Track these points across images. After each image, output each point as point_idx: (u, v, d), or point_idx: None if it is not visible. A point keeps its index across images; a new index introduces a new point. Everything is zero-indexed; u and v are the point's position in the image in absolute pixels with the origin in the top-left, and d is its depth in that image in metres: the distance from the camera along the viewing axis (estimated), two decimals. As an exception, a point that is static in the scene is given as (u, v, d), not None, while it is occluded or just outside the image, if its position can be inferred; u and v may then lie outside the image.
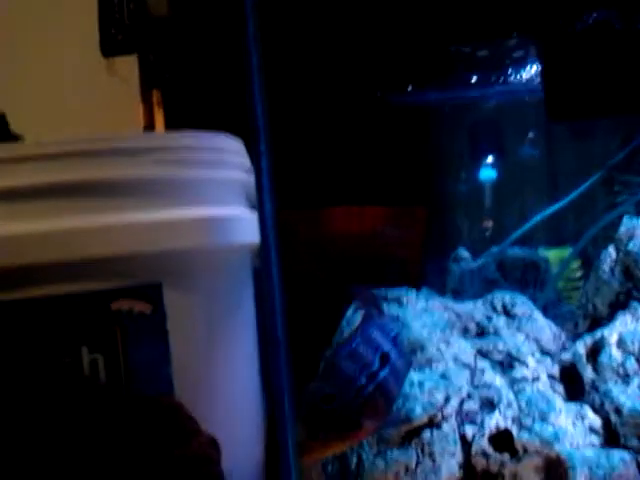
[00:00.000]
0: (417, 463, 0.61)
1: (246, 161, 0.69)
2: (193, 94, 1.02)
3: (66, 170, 0.58)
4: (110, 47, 1.00)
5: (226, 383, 0.65)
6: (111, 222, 0.58)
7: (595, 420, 0.62)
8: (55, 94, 1.12)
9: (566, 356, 0.69)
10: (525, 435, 0.60)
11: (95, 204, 0.58)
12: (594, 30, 0.81)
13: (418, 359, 0.67)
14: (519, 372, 0.66)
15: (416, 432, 0.62)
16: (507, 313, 0.73)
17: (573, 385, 0.67)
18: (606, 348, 0.64)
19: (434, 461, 0.61)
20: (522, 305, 0.73)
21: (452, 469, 0.61)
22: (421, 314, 0.72)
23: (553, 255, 1.05)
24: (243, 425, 0.67)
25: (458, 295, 0.94)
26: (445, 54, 1.02)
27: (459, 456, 0.62)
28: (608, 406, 0.61)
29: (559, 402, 0.64)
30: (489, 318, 0.72)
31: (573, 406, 0.63)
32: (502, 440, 0.61)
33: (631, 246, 0.68)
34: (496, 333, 0.70)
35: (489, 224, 1.20)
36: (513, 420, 0.62)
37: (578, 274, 1.04)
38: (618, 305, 0.69)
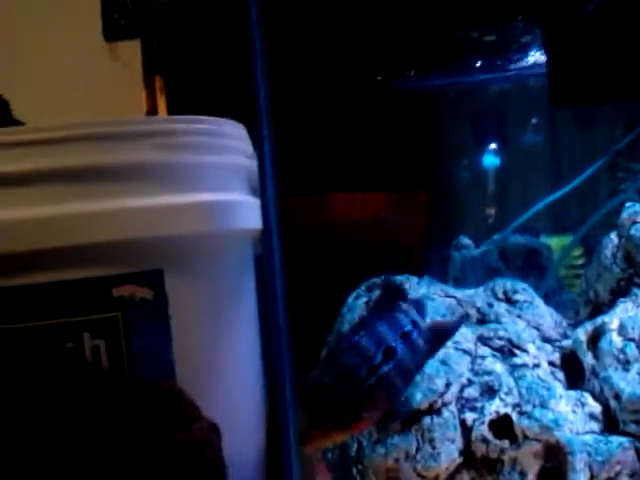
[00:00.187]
0: (417, 449, 0.61)
1: (248, 147, 0.69)
2: (196, 80, 1.02)
3: (67, 155, 0.58)
4: (113, 32, 1.00)
5: (227, 369, 0.65)
6: (112, 207, 0.58)
7: (595, 407, 0.62)
8: (57, 79, 1.11)
9: (567, 343, 0.69)
10: (525, 421, 0.60)
11: (96, 189, 0.58)
12: (598, 15, 0.81)
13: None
14: (520, 359, 0.66)
15: (416, 418, 0.62)
16: (508, 300, 0.73)
17: (573, 372, 0.67)
18: (607, 334, 0.64)
19: (434, 447, 0.61)
20: (523, 292, 0.73)
21: (452, 455, 0.61)
22: (422, 300, 0.72)
23: (556, 243, 1.05)
24: (244, 411, 0.68)
25: (460, 283, 0.94)
26: (448, 39, 1.01)
27: (459, 442, 0.62)
28: (608, 392, 0.61)
29: (559, 389, 0.64)
30: (490, 305, 0.72)
31: (573, 393, 0.63)
32: (502, 426, 0.61)
33: (633, 231, 0.68)
34: (497, 320, 0.70)
35: (492, 211, 1.20)
36: (513, 406, 0.62)
37: (580, 262, 1.04)
38: (619, 291, 0.69)
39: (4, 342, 0.56)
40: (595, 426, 0.61)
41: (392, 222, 0.92)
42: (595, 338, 0.66)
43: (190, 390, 0.58)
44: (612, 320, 0.65)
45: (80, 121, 0.59)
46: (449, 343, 0.65)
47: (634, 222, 0.69)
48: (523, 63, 1.08)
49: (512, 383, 0.64)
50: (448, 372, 0.64)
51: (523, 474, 0.60)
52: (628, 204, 0.71)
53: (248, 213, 0.64)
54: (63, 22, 1.12)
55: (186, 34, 0.99)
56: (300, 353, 0.55)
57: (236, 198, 0.65)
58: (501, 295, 0.73)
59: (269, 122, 0.50)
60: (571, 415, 0.61)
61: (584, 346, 0.66)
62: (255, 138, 0.52)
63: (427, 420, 0.62)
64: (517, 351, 0.67)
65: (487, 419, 0.61)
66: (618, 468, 0.58)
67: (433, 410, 0.62)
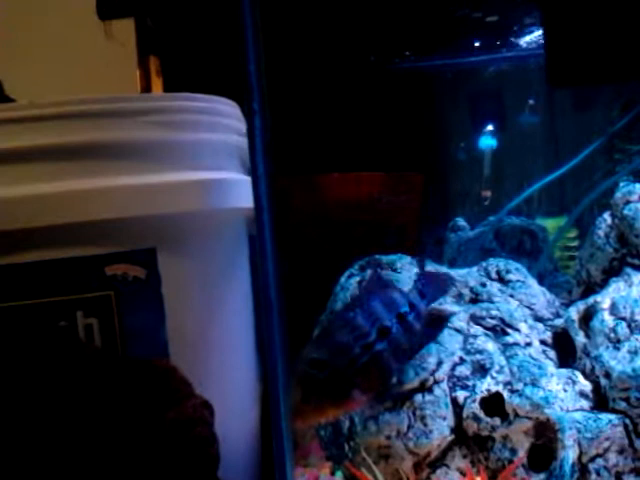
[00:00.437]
0: (409, 426, 0.62)
1: (243, 126, 0.69)
2: (191, 60, 1.01)
3: (60, 132, 0.57)
4: (106, 10, 0.99)
5: (221, 347, 0.65)
6: (105, 185, 0.58)
7: (585, 385, 0.63)
8: (49, 57, 1.11)
9: (559, 322, 0.69)
10: (516, 399, 0.61)
11: (89, 167, 0.58)
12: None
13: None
14: (511, 338, 0.67)
15: (408, 396, 0.62)
16: (501, 280, 0.73)
17: (565, 351, 0.67)
18: (598, 313, 0.64)
19: (425, 425, 0.62)
20: (516, 272, 0.73)
21: (443, 432, 0.62)
22: (415, 280, 0.72)
23: (551, 224, 1.05)
24: (238, 389, 0.68)
25: (455, 264, 0.94)
26: (446, 19, 1.00)
27: (450, 420, 0.62)
28: (598, 370, 0.62)
29: (550, 367, 0.64)
30: (483, 284, 0.72)
31: (564, 371, 0.64)
32: (493, 404, 0.62)
33: (626, 211, 0.68)
34: (489, 299, 0.70)
35: (488, 193, 1.20)
36: (504, 385, 0.62)
37: (575, 243, 1.04)
38: (612, 271, 0.69)
39: (-3, 320, 0.56)
40: (585, 404, 0.62)
41: (387, 202, 0.91)
42: (587, 317, 0.66)
43: (183, 368, 0.58)
44: (604, 299, 0.65)
45: (73, 98, 0.58)
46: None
47: (627, 202, 0.69)
48: (521, 43, 1.07)
49: (504, 361, 0.64)
50: (440, 350, 0.64)
51: (514, 451, 0.61)
52: (622, 184, 0.71)
53: (242, 192, 0.64)
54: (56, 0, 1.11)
55: (180, 13, 0.98)
56: (294, 332, 0.55)
57: (230, 177, 0.65)
58: (494, 275, 0.73)
59: (260, 96, 0.50)
60: (562, 393, 0.62)
61: (576, 325, 0.66)
62: (246, 111, 0.52)
63: (419, 398, 0.62)
64: (509, 330, 0.67)
65: (478, 397, 0.62)
66: (607, 444, 0.58)
67: (425, 388, 0.62)
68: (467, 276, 0.73)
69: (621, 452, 0.58)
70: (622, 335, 0.61)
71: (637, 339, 0.61)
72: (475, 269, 0.74)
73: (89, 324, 0.58)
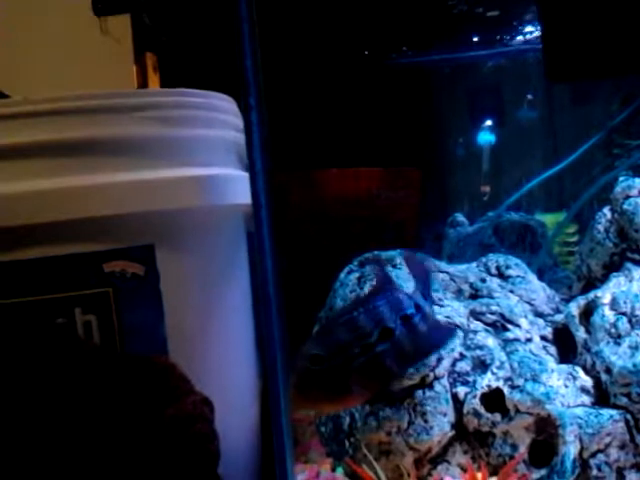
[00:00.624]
0: (409, 422, 0.62)
1: (240, 122, 0.69)
2: (189, 57, 1.01)
3: (56, 128, 0.57)
4: (102, 6, 0.98)
5: (220, 343, 0.65)
6: (103, 182, 0.57)
7: (586, 381, 0.62)
8: (46, 54, 1.10)
9: (559, 317, 0.69)
10: (517, 395, 0.61)
11: (86, 163, 0.57)
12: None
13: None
14: (512, 333, 0.67)
15: (408, 392, 0.62)
16: (501, 275, 0.73)
17: (566, 346, 0.67)
18: (599, 309, 0.64)
19: (426, 420, 0.61)
20: (516, 267, 0.73)
21: (444, 428, 0.62)
22: (415, 276, 0.72)
23: (550, 220, 1.05)
24: (237, 386, 0.68)
25: (455, 259, 0.94)
26: (444, 14, 1.00)
27: (451, 416, 0.62)
28: (599, 366, 0.61)
29: (551, 363, 0.64)
30: (483, 280, 0.72)
31: (565, 367, 0.64)
32: (494, 400, 0.62)
33: (626, 206, 0.67)
34: (489, 295, 0.70)
35: (487, 188, 1.20)
36: (505, 380, 0.62)
37: (574, 239, 1.04)
38: (612, 266, 0.69)
39: (-5, 317, 0.56)
40: (586, 399, 0.61)
41: (385, 198, 0.91)
42: (587, 313, 0.66)
43: (183, 364, 0.58)
44: (604, 295, 0.65)
45: (69, 94, 0.58)
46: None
47: (627, 196, 0.68)
48: (520, 38, 1.07)
49: (504, 357, 0.64)
50: (440, 346, 0.64)
51: (515, 447, 0.61)
52: (621, 178, 0.71)
53: (240, 188, 0.63)
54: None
55: (176, 9, 0.98)
56: (293, 328, 0.54)
57: (228, 173, 0.65)
58: (494, 270, 0.73)
59: (257, 91, 0.50)
60: (562, 389, 0.61)
61: (576, 320, 0.66)
62: (242, 107, 0.51)
63: (419, 394, 0.62)
64: (509, 326, 0.67)
65: (479, 393, 0.62)
66: (608, 440, 0.58)
67: (425, 384, 0.62)
68: (467, 272, 0.73)
69: (622, 447, 0.58)
70: (623, 330, 0.61)
71: (638, 334, 0.61)
72: (475, 265, 0.74)
73: (88, 321, 0.58)
